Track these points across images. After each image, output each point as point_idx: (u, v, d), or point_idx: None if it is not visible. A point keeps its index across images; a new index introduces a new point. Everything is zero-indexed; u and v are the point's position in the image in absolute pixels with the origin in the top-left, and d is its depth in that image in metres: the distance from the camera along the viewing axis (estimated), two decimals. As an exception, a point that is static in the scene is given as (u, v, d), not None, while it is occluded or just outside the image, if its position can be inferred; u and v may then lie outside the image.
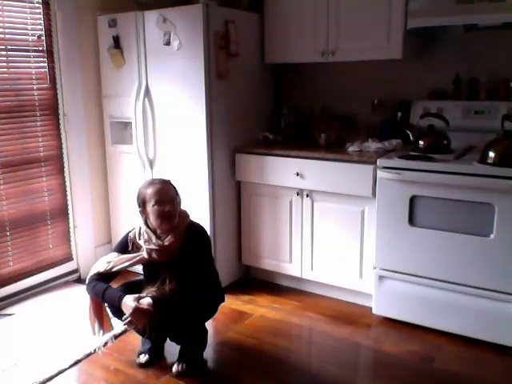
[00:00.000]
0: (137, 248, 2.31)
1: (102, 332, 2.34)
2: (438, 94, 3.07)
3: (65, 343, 2.60)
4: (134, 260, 2.28)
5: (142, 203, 2.27)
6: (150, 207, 2.23)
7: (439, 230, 2.57)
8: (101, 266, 2.31)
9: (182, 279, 2.19)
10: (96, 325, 2.33)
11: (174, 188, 2.33)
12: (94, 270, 2.31)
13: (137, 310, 2.11)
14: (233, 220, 3.31)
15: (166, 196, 2.24)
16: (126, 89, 3.24)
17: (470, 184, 2.45)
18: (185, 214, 2.34)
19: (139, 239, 2.30)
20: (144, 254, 2.27)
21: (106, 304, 2.31)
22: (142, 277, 2.43)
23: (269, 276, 3.37)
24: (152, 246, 2.25)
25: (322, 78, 3.47)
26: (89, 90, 3.39)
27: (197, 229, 2.36)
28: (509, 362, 2.44)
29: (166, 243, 2.24)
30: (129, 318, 2.12)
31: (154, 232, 2.28)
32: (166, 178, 2.39)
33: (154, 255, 2.25)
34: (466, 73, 2.95)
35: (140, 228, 2.32)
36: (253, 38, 3.26)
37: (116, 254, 2.33)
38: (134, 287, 2.29)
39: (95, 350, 2.48)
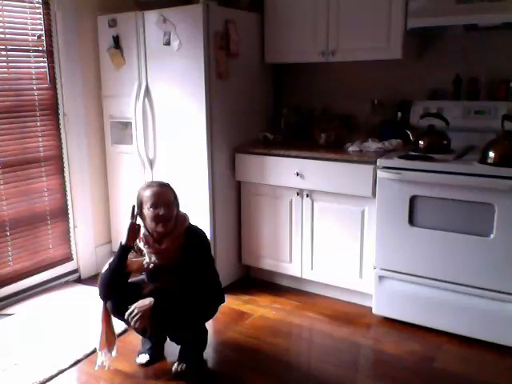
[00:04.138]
0: (139, 249, 2.31)
1: (108, 355, 2.31)
2: (437, 94, 3.07)
3: (65, 343, 2.60)
4: (138, 265, 2.27)
5: (140, 205, 2.27)
6: (146, 210, 2.24)
7: (439, 230, 2.57)
8: (107, 265, 2.30)
9: (183, 281, 2.20)
10: (105, 348, 2.30)
11: (173, 191, 2.31)
12: (101, 272, 2.30)
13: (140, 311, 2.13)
14: (233, 220, 3.31)
15: (161, 199, 2.23)
16: (126, 89, 3.24)
17: (470, 184, 2.45)
18: (184, 217, 2.33)
19: (139, 241, 2.30)
20: (146, 258, 2.27)
21: (113, 283, 2.25)
22: (142, 277, 2.42)
23: (269, 276, 3.37)
24: (150, 250, 2.26)
25: (322, 78, 3.47)
26: (89, 90, 3.39)
27: (195, 231, 2.35)
28: (509, 362, 2.44)
29: (163, 246, 2.25)
30: (135, 311, 2.13)
31: (152, 235, 2.28)
32: (166, 178, 2.39)
33: (153, 258, 2.26)
34: (466, 73, 2.95)
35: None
36: (253, 38, 3.26)
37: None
38: (134, 287, 2.29)
39: (101, 365, 2.34)
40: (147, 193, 2.25)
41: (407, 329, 2.73)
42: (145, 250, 2.27)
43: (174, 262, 2.25)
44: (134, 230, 2.23)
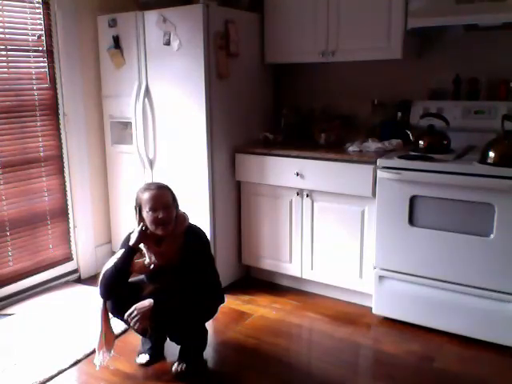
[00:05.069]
0: (139, 250, 2.31)
1: (106, 355, 2.29)
2: (437, 94, 3.07)
3: (65, 343, 2.60)
4: (139, 266, 2.28)
5: (139, 207, 2.27)
6: (145, 213, 2.23)
7: (439, 230, 2.57)
8: (109, 264, 2.29)
9: (183, 281, 2.20)
10: (104, 347, 2.28)
11: (171, 193, 2.30)
12: (103, 271, 2.30)
13: (140, 312, 2.13)
14: (233, 220, 3.31)
15: (160, 202, 2.22)
16: (126, 89, 3.24)
17: (470, 184, 2.45)
18: (183, 217, 2.33)
19: None
20: (146, 259, 2.27)
21: (117, 283, 2.24)
22: (141, 277, 2.42)
23: (269, 276, 3.37)
24: (150, 251, 2.26)
25: (322, 78, 3.47)
26: (89, 90, 3.40)
27: (195, 231, 2.35)
28: (509, 362, 2.44)
29: (163, 249, 2.25)
30: (134, 312, 2.12)
31: (151, 236, 2.27)
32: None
33: (153, 259, 2.26)
34: (466, 73, 2.95)
35: None
36: (253, 38, 3.26)
37: (123, 250, 2.32)
38: (133, 288, 2.29)
39: (100, 365, 2.32)
40: (146, 196, 2.24)
41: (407, 329, 2.73)
42: (144, 251, 2.27)
43: (173, 262, 2.25)
44: (144, 234, 2.23)
